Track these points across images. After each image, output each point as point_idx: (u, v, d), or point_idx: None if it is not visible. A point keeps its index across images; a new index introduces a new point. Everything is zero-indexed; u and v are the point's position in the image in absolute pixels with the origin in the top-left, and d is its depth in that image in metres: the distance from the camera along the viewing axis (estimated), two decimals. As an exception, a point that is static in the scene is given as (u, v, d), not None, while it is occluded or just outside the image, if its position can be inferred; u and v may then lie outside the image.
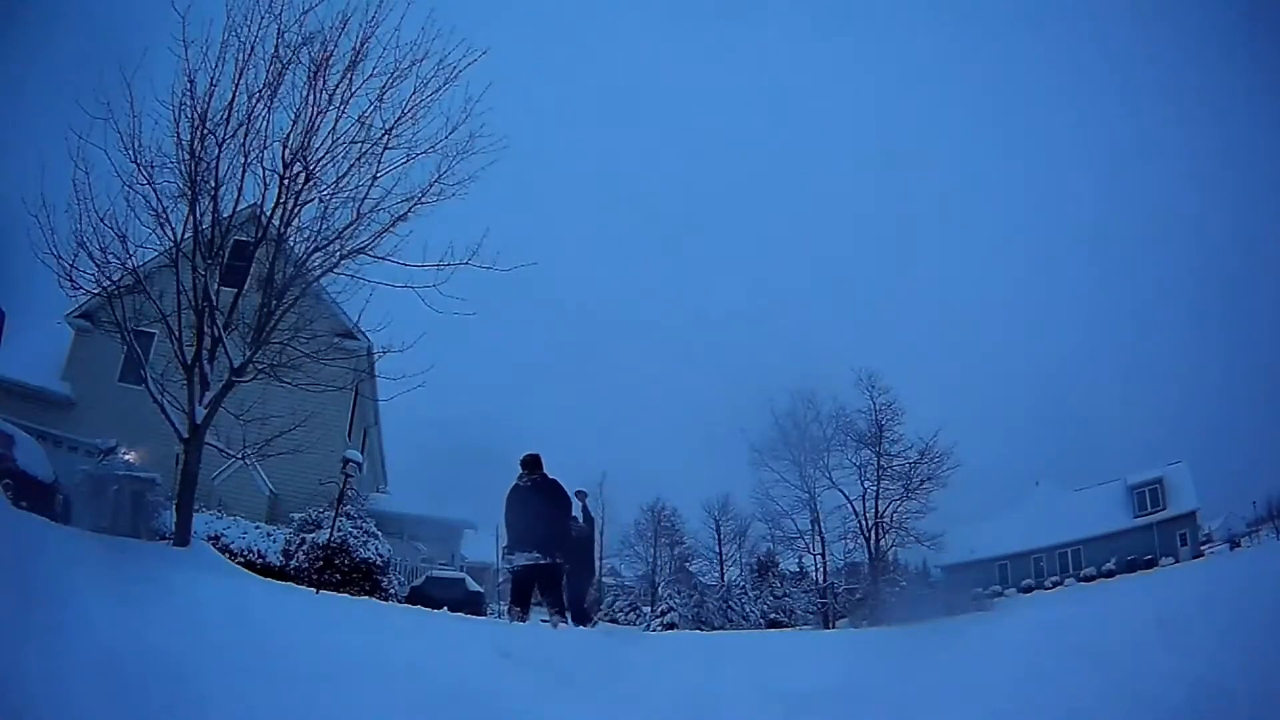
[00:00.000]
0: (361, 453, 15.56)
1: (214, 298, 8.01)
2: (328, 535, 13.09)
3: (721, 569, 32.20)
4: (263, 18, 8.08)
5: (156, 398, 7.73)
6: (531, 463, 6.63)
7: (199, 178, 7.91)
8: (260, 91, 8.11)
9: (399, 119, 8.50)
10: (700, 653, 5.93)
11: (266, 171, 8.27)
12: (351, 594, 12.06)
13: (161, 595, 3.92)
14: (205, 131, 7.92)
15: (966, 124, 59.92)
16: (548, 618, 6.27)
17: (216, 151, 7.97)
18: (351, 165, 8.44)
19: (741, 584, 29.79)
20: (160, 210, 7.85)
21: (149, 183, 7.75)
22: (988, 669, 1.90)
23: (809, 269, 55.85)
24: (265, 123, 8.19)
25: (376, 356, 9.41)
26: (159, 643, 2.10)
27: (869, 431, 25.85)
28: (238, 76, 8.02)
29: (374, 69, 8.45)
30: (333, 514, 12.81)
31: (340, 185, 8.43)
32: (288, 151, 8.26)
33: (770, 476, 26.52)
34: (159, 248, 8.31)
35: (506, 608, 6.02)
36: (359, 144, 8.48)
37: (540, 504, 6.25)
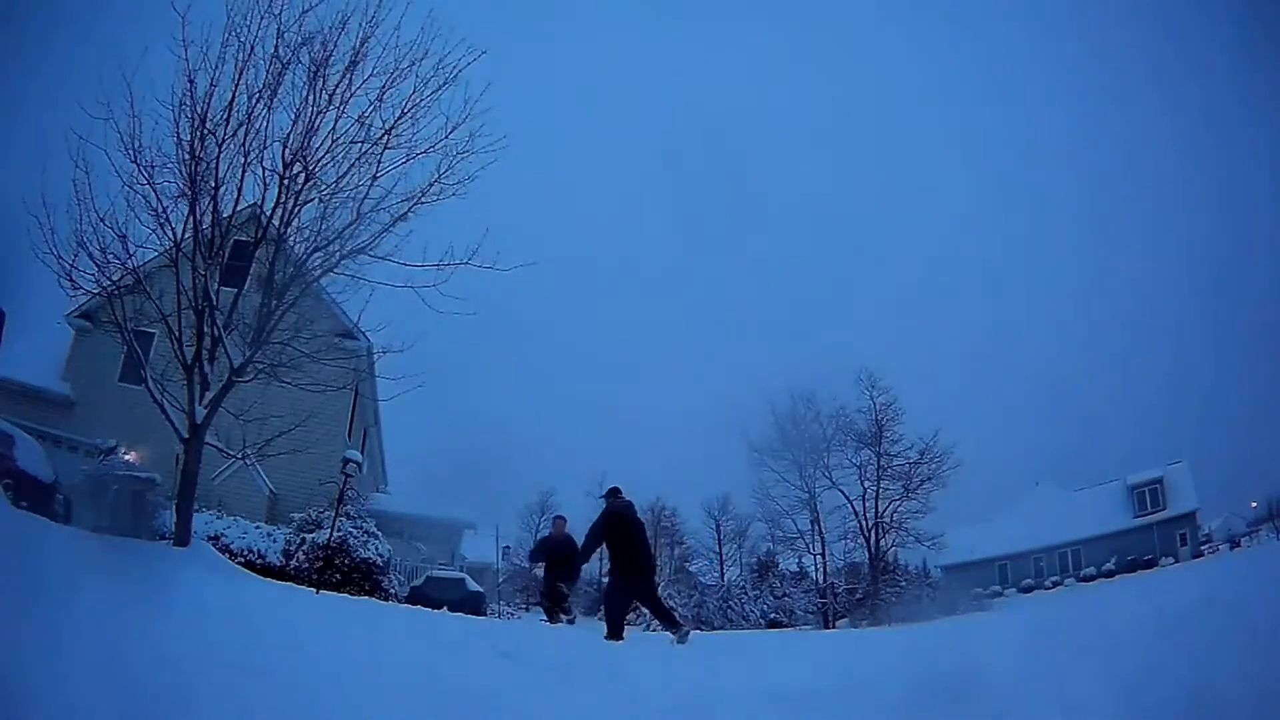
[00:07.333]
0: (361, 453, 15.56)
1: (214, 298, 8.00)
2: (328, 535, 13.10)
3: (721, 569, 32.24)
4: (262, 18, 8.07)
5: (156, 398, 7.72)
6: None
7: (199, 178, 7.89)
8: (260, 91, 8.09)
9: (399, 119, 8.48)
10: (700, 652, 5.93)
11: (266, 171, 8.26)
12: (351, 594, 12.08)
13: (161, 595, 3.93)
14: (205, 131, 7.89)
15: (969, 124, 59.93)
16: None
17: (216, 151, 7.95)
18: (351, 165, 8.42)
19: (741, 584, 29.80)
20: (160, 210, 7.83)
21: (149, 183, 7.73)
22: (987, 669, 1.90)
23: (810, 269, 55.92)
24: (265, 123, 8.17)
25: (376, 356, 9.41)
26: (159, 643, 2.10)
27: (869, 431, 25.90)
28: (238, 77, 8.01)
29: (374, 69, 8.43)
30: (333, 514, 12.81)
31: (340, 185, 8.40)
32: (288, 151, 8.25)
33: (770, 476, 26.59)
34: (159, 248, 8.30)
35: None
36: (359, 144, 8.46)
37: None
